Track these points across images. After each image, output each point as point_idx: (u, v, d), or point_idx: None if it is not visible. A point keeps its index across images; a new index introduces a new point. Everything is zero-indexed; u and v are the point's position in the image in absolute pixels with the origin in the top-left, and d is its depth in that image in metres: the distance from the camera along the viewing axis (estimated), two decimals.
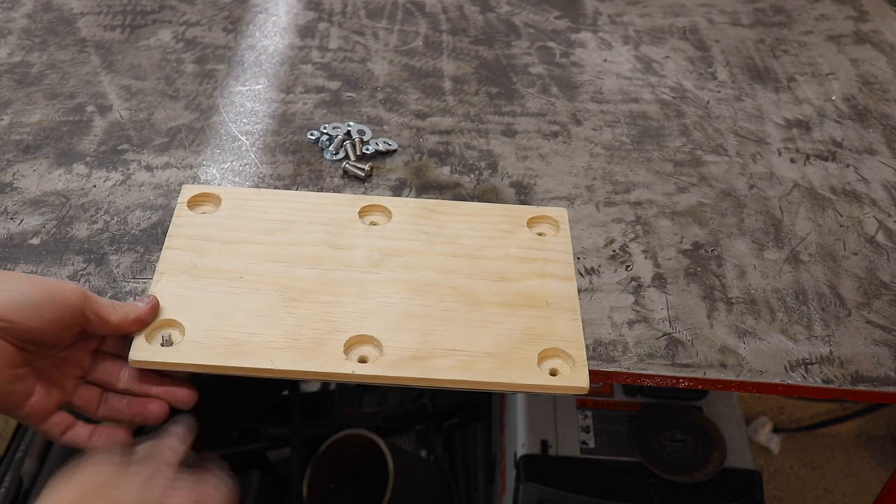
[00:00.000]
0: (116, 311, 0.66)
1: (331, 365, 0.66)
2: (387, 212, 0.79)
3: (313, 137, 0.89)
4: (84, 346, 0.68)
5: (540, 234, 0.78)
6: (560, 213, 0.80)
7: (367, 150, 0.87)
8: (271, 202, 0.79)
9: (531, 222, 0.79)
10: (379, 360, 0.66)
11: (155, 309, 0.68)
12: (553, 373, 0.67)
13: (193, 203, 0.79)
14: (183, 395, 0.69)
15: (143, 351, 0.66)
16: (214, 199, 0.79)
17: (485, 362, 0.66)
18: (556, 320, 0.70)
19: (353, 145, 0.87)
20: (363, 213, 0.79)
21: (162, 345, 0.66)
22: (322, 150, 0.88)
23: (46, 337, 0.62)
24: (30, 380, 0.63)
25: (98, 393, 0.68)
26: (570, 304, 0.71)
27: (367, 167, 0.85)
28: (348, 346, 0.67)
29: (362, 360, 0.67)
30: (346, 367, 0.66)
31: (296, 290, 0.71)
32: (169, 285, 0.71)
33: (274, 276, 0.72)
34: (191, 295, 0.70)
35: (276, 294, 0.70)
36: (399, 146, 0.89)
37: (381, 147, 0.88)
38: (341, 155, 0.87)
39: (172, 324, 0.68)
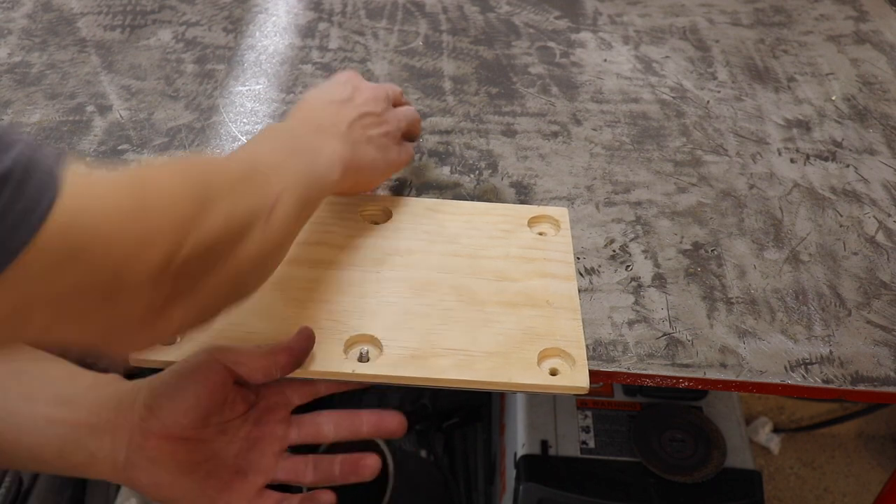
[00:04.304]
0: (258, 367, 0.62)
1: (330, 364, 0.66)
2: (388, 211, 0.79)
3: None
4: (272, 417, 0.66)
5: (541, 234, 0.78)
6: (561, 212, 0.80)
7: None
8: None
9: (532, 222, 0.79)
10: (379, 360, 0.66)
11: (298, 352, 0.63)
12: (553, 372, 0.67)
13: None
14: (392, 423, 0.67)
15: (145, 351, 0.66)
16: None
17: (485, 362, 0.66)
18: (556, 320, 0.70)
19: None
20: (364, 211, 0.79)
21: (163, 343, 0.66)
22: None
23: (199, 412, 0.60)
24: (219, 472, 0.62)
25: (304, 461, 0.65)
26: (571, 303, 0.71)
27: None
28: (348, 346, 0.67)
29: (362, 360, 0.67)
30: (345, 366, 0.66)
31: (296, 289, 0.71)
32: None
33: (274, 275, 0.72)
34: None
35: (276, 292, 0.70)
36: None
37: None
38: None
39: None
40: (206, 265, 0.49)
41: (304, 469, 0.65)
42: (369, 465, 0.65)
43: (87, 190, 0.43)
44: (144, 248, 0.44)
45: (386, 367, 0.66)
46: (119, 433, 0.60)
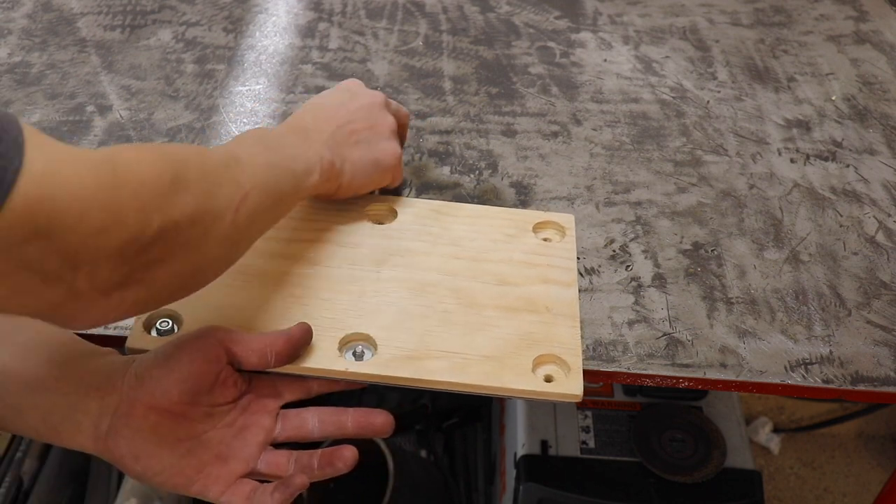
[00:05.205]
0: (254, 348, 0.62)
1: (324, 361, 0.65)
2: (393, 211, 0.79)
3: None
4: (261, 408, 0.65)
5: (545, 240, 0.78)
6: (567, 219, 0.79)
7: None
8: None
9: (537, 227, 0.79)
10: (373, 359, 0.66)
11: (296, 341, 0.64)
12: (548, 379, 0.66)
13: None
14: (378, 421, 0.66)
15: (141, 340, 0.66)
16: None
17: (480, 365, 0.66)
18: (555, 326, 0.69)
19: None
20: (369, 211, 0.79)
21: (159, 335, 0.66)
22: None
23: (189, 384, 0.60)
24: (199, 452, 0.61)
25: (286, 455, 0.64)
26: (571, 310, 0.71)
27: None
28: (343, 344, 0.67)
29: (357, 358, 0.66)
30: (339, 364, 0.66)
31: (296, 286, 0.71)
32: None
33: (276, 272, 0.72)
34: None
35: (274, 288, 0.70)
36: None
37: None
38: None
39: (171, 313, 0.67)
40: (169, 250, 0.50)
41: (285, 463, 0.64)
42: (346, 456, 0.64)
43: (55, 164, 0.42)
44: (110, 227, 0.45)
45: (379, 366, 0.66)
46: (107, 401, 0.59)
